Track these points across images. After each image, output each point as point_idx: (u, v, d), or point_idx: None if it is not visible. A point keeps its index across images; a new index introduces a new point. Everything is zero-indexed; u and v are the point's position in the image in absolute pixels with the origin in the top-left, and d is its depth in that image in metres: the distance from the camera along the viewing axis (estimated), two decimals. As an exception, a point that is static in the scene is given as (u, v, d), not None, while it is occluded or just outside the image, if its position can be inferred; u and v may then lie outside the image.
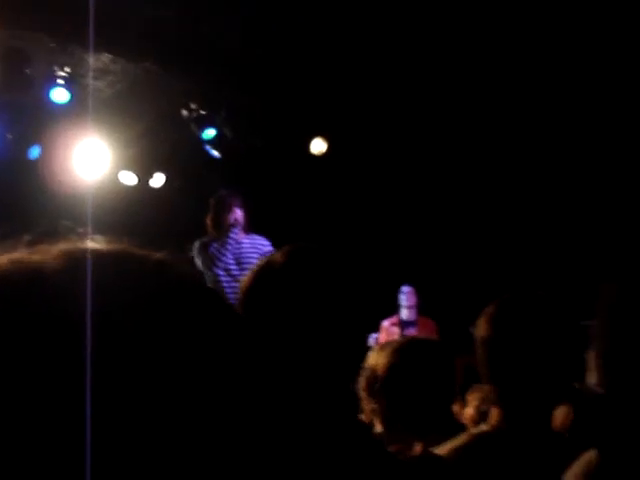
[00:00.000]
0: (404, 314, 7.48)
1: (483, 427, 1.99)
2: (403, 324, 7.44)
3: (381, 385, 2.18)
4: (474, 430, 2.01)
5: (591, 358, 1.51)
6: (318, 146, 7.60)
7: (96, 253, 0.63)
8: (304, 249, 1.60)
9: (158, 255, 0.65)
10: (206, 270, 5.62)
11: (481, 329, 1.98)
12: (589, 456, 1.48)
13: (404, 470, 1.54)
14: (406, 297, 7.46)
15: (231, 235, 5.59)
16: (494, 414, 1.95)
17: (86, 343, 0.55)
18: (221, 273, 5.58)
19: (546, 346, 1.89)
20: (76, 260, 0.61)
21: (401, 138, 7.47)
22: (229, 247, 5.59)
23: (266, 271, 1.56)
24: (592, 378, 1.52)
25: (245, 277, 1.60)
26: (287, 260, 1.55)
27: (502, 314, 1.97)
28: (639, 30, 5.19)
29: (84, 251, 0.62)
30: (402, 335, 7.24)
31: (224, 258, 5.56)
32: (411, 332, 7.33)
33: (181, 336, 0.59)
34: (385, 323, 7.50)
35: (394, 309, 7.43)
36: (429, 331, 7.32)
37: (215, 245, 5.60)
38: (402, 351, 2.28)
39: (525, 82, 6.35)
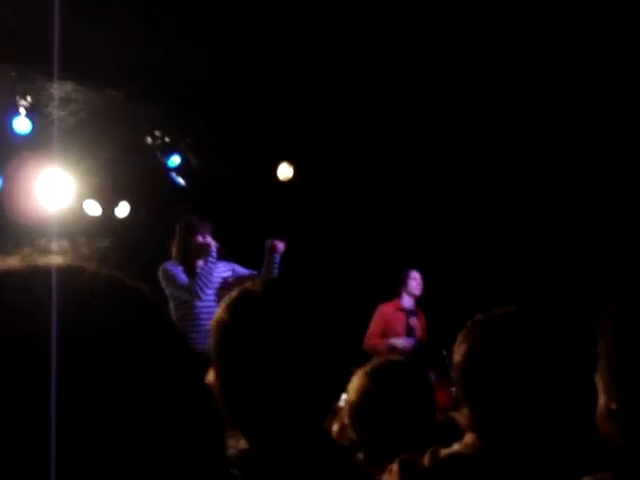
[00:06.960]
0: (408, 302, 6.80)
1: (456, 447, 1.90)
2: (407, 312, 6.78)
3: (354, 411, 2.14)
4: (445, 451, 1.93)
5: (598, 378, 1.53)
6: (284, 171, 7.56)
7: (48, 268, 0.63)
8: (280, 281, 1.61)
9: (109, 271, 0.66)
10: (176, 293, 5.44)
11: (456, 354, 1.89)
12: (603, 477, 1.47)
13: None
14: (417, 283, 6.76)
15: (209, 259, 5.45)
16: (469, 436, 1.88)
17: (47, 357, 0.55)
18: (198, 303, 5.42)
19: (526, 371, 1.75)
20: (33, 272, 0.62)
21: (363, 163, 7.47)
22: (208, 272, 5.44)
23: (244, 302, 1.54)
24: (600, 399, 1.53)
25: (220, 308, 1.57)
26: (265, 290, 1.54)
27: (476, 337, 1.84)
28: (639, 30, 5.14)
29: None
30: (408, 324, 6.66)
31: (206, 283, 5.41)
32: (414, 322, 6.75)
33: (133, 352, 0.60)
34: (386, 307, 6.74)
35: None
36: (423, 324, 6.83)
37: (183, 269, 5.47)
38: (374, 375, 2.22)
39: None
